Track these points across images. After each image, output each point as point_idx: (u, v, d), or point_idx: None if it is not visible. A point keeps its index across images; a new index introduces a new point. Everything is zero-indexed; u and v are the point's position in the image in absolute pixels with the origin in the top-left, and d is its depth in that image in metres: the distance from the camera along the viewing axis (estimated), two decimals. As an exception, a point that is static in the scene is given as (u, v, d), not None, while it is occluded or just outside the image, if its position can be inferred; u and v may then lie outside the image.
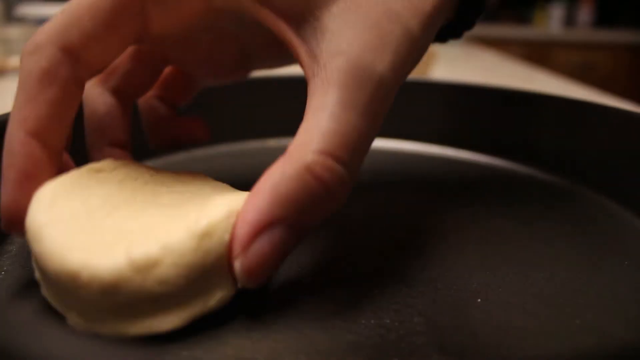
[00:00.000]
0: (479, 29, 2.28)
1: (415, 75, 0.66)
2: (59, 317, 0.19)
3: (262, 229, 0.18)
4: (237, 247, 0.18)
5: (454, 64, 1.01)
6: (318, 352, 0.19)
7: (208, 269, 0.19)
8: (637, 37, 2.29)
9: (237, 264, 0.18)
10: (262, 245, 0.18)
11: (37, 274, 0.20)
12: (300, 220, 0.18)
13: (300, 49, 0.21)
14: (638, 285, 0.24)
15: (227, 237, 0.19)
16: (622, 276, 0.25)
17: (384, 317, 0.21)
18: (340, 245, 0.27)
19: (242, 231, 0.18)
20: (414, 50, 0.21)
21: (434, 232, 0.29)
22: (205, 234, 0.19)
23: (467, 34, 1.83)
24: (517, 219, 0.31)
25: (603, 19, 2.67)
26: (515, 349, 0.19)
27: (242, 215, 0.18)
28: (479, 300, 0.22)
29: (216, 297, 0.20)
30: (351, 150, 0.19)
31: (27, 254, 0.25)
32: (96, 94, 0.25)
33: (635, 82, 2.29)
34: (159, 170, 0.26)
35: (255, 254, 0.18)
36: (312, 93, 0.20)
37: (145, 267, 0.18)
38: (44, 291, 0.20)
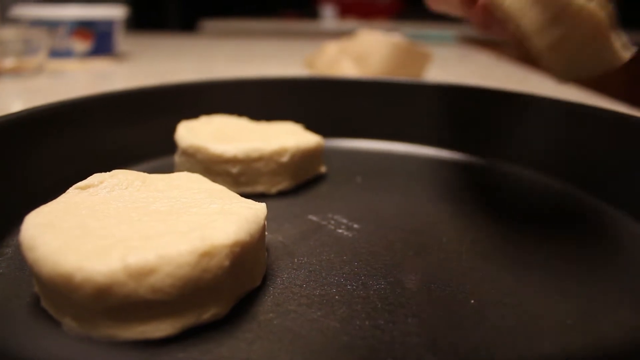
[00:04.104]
0: (474, 31, 2.28)
1: (409, 76, 0.67)
2: (55, 320, 0.19)
3: None
4: None
5: (448, 66, 1.02)
6: (313, 353, 0.19)
7: (203, 286, 0.19)
8: (631, 38, 2.30)
9: None
10: None
11: (36, 287, 0.20)
12: None
13: None
14: (630, 286, 0.24)
15: (227, 263, 0.20)
16: (614, 277, 0.25)
17: (378, 318, 0.21)
18: (333, 247, 0.27)
19: None
20: None
21: (428, 233, 0.29)
22: (207, 254, 0.19)
23: (462, 35, 1.83)
24: (511, 220, 0.31)
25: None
26: (508, 348, 0.19)
27: None
28: (472, 301, 0.22)
29: (210, 312, 0.20)
30: None
31: (23, 257, 0.25)
32: None
33: (630, 83, 2.30)
34: (151, 175, 0.26)
35: None
36: None
37: (140, 273, 0.18)
38: (42, 301, 0.20)
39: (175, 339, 0.19)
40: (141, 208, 0.22)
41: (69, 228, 0.20)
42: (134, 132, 0.39)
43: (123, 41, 1.08)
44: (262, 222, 0.22)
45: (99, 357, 0.18)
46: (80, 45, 0.89)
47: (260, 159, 0.33)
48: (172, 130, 0.36)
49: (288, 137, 0.35)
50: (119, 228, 0.20)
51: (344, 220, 0.30)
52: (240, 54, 1.15)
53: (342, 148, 0.45)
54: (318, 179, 0.37)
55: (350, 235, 0.29)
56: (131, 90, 0.39)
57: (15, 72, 0.75)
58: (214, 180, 0.32)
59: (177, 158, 0.35)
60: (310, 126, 0.41)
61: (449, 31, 1.71)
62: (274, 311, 0.21)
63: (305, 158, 0.35)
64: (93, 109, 0.36)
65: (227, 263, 0.19)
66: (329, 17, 2.61)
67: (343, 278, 0.24)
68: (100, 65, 0.89)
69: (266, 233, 0.24)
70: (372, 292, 0.23)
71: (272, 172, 0.33)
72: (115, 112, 0.38)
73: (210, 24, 2.38)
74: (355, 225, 0.30)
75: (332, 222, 0.30)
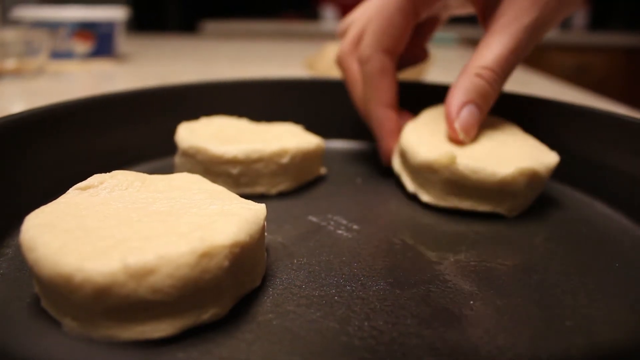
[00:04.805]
0: (474, 32, 2.28)
1: (410, 78, 0.67)
2: (55, 320, 0.19)
3: (462, 106, 0.33)
4: (453, 116, 0.33)
5: (448, 67, 1.02)
6: (312, 354, 0.19)
7: (203, 286, 0.19)
8: (631, 40, 2.30)
9: (456, 125, 0.33)
10: (465, 113, 0.33)
11: (36, 288, 0.20)
12: (479, 102, 0.33)
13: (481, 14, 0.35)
14: (628, 286, 0.24)
15: (226, 263, 0.20)
16: (613, 278, 0.25)
17: (377, 319, 0.21)
18: (333, 248, 0.27)
19: (453, 108, 0.33)
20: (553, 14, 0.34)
21: (427, 235, 0.29)
22: (206, 254, 0.19)
23: (462, 36, 1.83)
24: (509, 221, 0.31)
25: (598, 21, 2.68)
26: (507, 350, 0.19)
27: (450, 102, 0.33)
28: (472, 302, 0.22)
29: (210, 312, 0.20)
30: (502, 68, 0.33)
31: (23, 257, 0.25)
32: (371, 57, 0.37)
33: (630, 84, 2.30)
34: (151, 176, 0.26)
35: (463, 118, 0.33)
36: (485, 36, 0.34)
37: (140, 274, 0.18)
38: (43, 302, 0.20)
39: (174, 339, 0.19)
40: (141, 209, 0.22)
41: (69, 229, 0.20)
42: (134, 133, 0.39)
43: (124, 42, 1.08)
44: (261, 222, 0.22)
45: (99, 357, 0.18)
46: (81, 46, 0.89)
47: (260, 160, 0.33)
48: (173, 131, 0.36)
49: (288, 138, 0.35)
50: (118, 229, 0.20)
51: (344, 222, 0.30)
52: (240, 55, 1.15)
53: (342, 149, 0.45)
54: (318, 180, 0.37)
55: (349, 236, 0.29)
56: (131, 92, 0.40)
57: (16, 74, 0.75)
58: (214, 181, 0.32)
59: (177, 159, 0.35)
60: (311, 127, 0.41)
61: (450, 33, 1.71)
62: (274, 312, 0.21)
63: (306, 159, 0.35)
64: (94, 110, 0.37)
65: (226, 264, 0.19)
66: (329, 19, 2.61)
67: (342, 279, 0.24)
68: (101, 66, 0.89)
69: (266, 234, 0.24)
70: (371, 293, 0.23)
71: (272, 173, 0.33)
72: (116, 113, 0.38)
73: (210, 25, 2.39)
74: (355, 227, 0.30)
75: (332, 223, 0.30)
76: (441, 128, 0.35)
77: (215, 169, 0.33)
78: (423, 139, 0.34)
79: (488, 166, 0.30)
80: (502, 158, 0.32)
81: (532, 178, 0.31)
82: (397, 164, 0.36)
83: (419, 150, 0.32)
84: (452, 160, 0.31)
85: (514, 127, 0.37)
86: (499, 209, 0.31)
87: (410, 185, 0.34)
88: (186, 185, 0.25)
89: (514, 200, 0.31)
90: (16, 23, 0.92)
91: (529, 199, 0.32)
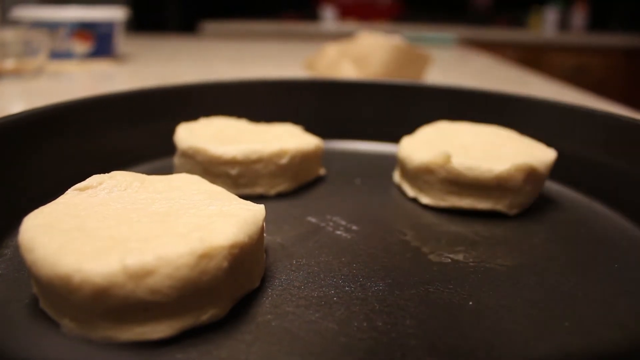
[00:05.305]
0: (474, 33, 2.28)
1: (409, 78, 0.67)
2: (53, 321, 0.19)
3: None
4: None
5: (448, 68, 1.02)
6: (311, 355, 0.19)
7: (202, 287, 0.19)
8: (630, 41, 2.30)
9: None
10: None
11: (35, 289, 0.20)
12: None
13: None
14: (626, 287, 0.24)
15: (225, 264, 0.20)
16: (611, 278, 0.25)
17: (376, 319, 0.21)
18: (332, 249, 0.27)
19: None
20: None
21: (426, 235, 0.29)
22: (205, 255, 0.19)
23: (462, 37, 1.83)
24: (509, 221, 0.31)
25: (597, 22, 2.69)
26: (505, 350, 0.19)
27: None
28: (471, 303, 0.22)
29: (209, 313, 0.20)
30: None
31: (22, 258, 0.25)
32: None
33: (629, 85, 2.30)
34: (149, 177, 0.26)
35: None
36: None
37: (139, 275, 0.18)
38: (41, 302, 0.20)
39: (173, 340, 0.19)
40: (140, 209, 0.22)
41: (67, 229, 0.20)
42: (133, 133, 0.39)
43: (123, 43, 1.08)
44: (260, 223, 0.22)
45: (98, 358, 0.18)
46: (81, 46, 0.89)
47: (259, 160, 0.33)
48: (172, 131, 0.36)
49: (287, 139, 0.35)
50: (117, 229, 0.20)
51: (343, 222, 0.30)
52: (240, 55, 1.15)
53: (342, 150, 0.45)
54: (317, 181, 0.37)
55: (348, 237, 0.29)
56: (131, 92, 0.39)
57: (16, 74, 0.75)
58: (214, 182, 0.32)
59: (176, 159, 0.35)
60: (310, 128, 0.41)
61: (449, 33, 1.72)
62: (273, 313, 0.21)
63: (305, 160, 0.35)
64: (93, 110, 0.37)
65: (225, 264, 0.19)
66: (329, 19, 2.61)
67: (341, 280, 0.24)
68: (101, 66, 0.89)
69: (265, 235, 0.24)
70: (370, 293, 0.23)
71: (271, 174, 0.33)
72: (115, 113, 0.38)
73: (210, 26, 2.38)
74: (354, 227, 0.30)
75: (331, 223, 0.30)
76: (437, 141, 0.35)
77: (215, 170, 0.33)
78: (418, 147, 0.34)
79: (484, 163, 0.31)
80: (499, 156, 0.32)
81: (529, 174, 0.31)
82: (396, 176, 0.37)
83: (414, 155, 0.33)
84: (447, 159, 0.31)
85: (510, 133, 0.37)
86: (499, 206, 0.32)
87: (410, 191, 0.34)
88: (185, 186, 0.25)
89: (513, 197, 0.31)
90: (16, 23, 0.92)
91: (528, 196, 0.32)
